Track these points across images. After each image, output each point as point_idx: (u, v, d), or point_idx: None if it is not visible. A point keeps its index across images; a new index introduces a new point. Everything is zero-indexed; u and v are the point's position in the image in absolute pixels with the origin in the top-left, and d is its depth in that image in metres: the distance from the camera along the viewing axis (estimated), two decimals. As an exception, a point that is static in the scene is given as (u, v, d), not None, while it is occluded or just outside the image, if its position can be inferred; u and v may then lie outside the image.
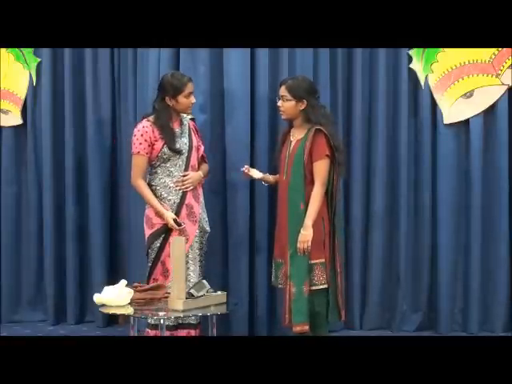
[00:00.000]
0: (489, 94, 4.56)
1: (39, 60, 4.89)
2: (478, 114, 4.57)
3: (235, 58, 4.44)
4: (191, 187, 3.97)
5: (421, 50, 4.57)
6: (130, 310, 3.47)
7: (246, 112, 4.45)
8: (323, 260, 3.78)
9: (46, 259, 4.95)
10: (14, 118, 4.97)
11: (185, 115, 4.04)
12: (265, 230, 4.48)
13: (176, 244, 3.48)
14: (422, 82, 4.61)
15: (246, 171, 4.08)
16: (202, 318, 3.90)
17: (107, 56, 4.86)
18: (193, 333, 3.97)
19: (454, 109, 4.59)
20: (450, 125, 4.61)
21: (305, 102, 3.82)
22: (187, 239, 3.89)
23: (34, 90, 4.93)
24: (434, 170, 4.67)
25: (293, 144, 3.88)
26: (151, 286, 3.71)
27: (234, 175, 4.42)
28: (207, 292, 3.53)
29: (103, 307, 3.54)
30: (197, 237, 4.00)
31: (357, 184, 4.71)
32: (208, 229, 4.09)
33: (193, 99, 3.97)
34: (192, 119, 4.14)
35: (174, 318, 3.67)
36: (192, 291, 3.49)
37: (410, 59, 4.61)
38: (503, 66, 4.53)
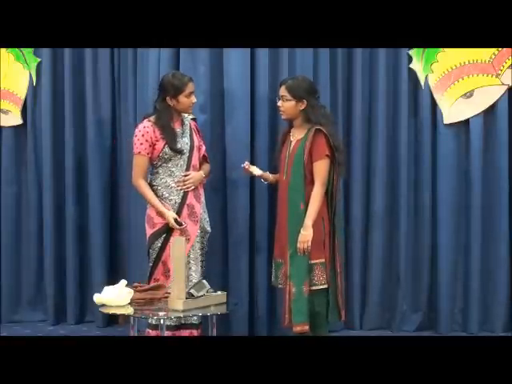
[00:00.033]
0: (489, 94, 4.56)
1: (39, 60, 4.89)
2: (478, 114, 4.57)
3: (235, 58, 4.44)
4: (192, 187, 3.97)
5: (421, 49, 4.57)
6: (129, 310, 3.47)
7: (246, 112, 4.45)
8: (323, 260, 3.78)
9: (46, 259, 4.95)
10: (14, 118, 4.97)
11: (186, 115, 4.05)
12: (265, 229, 4.48)
13: (176, 244, 3.48)
14: (422, 82, 4.61)
15: (247, 167, 4.09)
16: (202, 318, 3.91)
17: (107, 56, 4.86)
18: (195, 333, 3.97)
19: (454, 109, 4.59)
20: (450, 125, 4.61)
21: (305, 101, 3.82)
22: (188, 239, 3.89)
23: (34, 90, 4.93)
24: (434, 170, 4.67)
25: (293, 144, 3.88)
26: (151, 286, 3.71)
27: (234, 175, 4.43)
28: (207, 292, 3.53)
29: (103, 307, 3.54)
30: (198, 237, 4.00)
31: (357, 184, 4.71)
32: (209, 229, 4.09)
33: (194, 99, 3.97)
34: (193, 119, 4.14)
35: (176, 318, 3.67)
36: (192, 291, 3.49)
37: (410, 59, 4.61)
38: (503, 66, 4.53)
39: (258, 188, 4.47)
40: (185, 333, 3.95)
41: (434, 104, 4.63)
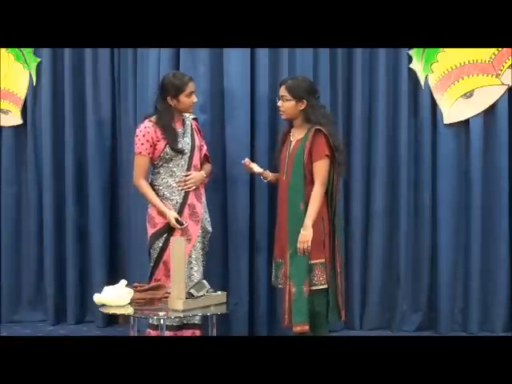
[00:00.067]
0: (489, 94, 4.56)
1: (39, 60, 4.89)
2: (478, 114, 4.57)
3: (235, 58, 4.44)
4: (193, 187, 3.97)
5: (421, 49, 4.57)
6: (129, 310, 3.47)
7: (246, 112, 4.45)
8: (323, 260, 3.78)
9: (46, 259, 4.95)
10: (14, 118, 4.97)
11: (187, 115, 4.05)
12: (265, 229, 4.48)
13: (176, 244, 3.48)
14: (422, 82, 4.61)
15: (247, 163, 4.10)
16: (202, 318, 3.90)
17: (107, 56, 4.86)
18: (197, 333, 3.97)
19: (454, 109, 4.59)
20: (450, 125, 4.61)
21: (305, 101, 3.82)
22: (189, 239, 3.89)
23: (34, 90, 4.93)
24: (434, 170, 4.67)
25: (293, 144, 3.88)
26: (151, 285, 3.71)
27: (234, 172, 4.43)
28: (207, 292, 3.53)
29: (103, 307, 3.54)
30: (199, 237, 4.00)
31: (357, 184, 4.71)
32: (210, 229, 4.08)
33: (194, 98, 3.97)
34: (194, 119, 4.14)
35: (178, 318, 3.67)
36: (192, 291, 3.49)
37: (410, 59, 4.61)
38: (503, 66, 4.53)
39: (257, 188, 4.48)
40: (187, 333, 3.94)
41: (434, 104, 4.63)
